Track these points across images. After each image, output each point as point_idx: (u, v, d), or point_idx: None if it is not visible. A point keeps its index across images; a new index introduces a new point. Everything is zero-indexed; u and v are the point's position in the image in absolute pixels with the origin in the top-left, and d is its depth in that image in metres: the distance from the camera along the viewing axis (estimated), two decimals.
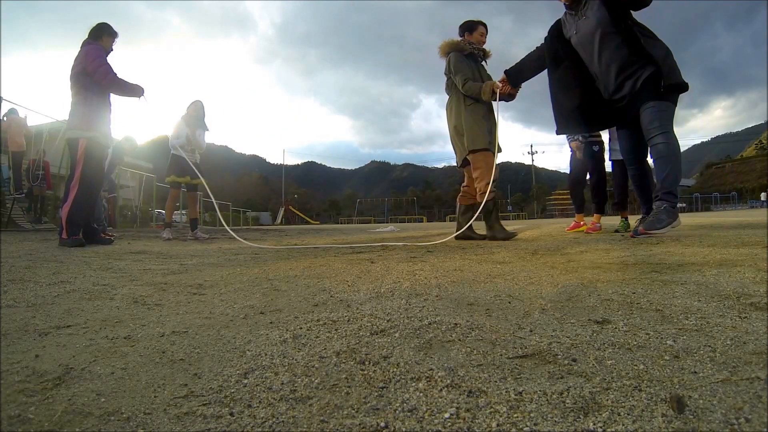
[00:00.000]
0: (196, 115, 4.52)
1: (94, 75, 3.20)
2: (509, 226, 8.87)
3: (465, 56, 3.31)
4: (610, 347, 0.67)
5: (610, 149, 4.00)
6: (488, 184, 3.10)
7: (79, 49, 3.31)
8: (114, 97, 3.47)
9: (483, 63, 3.42)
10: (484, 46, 3.42)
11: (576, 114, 2.86)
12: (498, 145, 3.23)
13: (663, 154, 2.39)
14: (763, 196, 36.43)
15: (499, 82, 3.13)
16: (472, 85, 3.17)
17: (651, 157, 2.58)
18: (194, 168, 4.48)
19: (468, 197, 3.43)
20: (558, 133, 3.08)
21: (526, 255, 2.03)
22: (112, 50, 3.49)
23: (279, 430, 0.46)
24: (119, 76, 3.32)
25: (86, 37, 3.39)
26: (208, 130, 4.66)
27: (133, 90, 3.42)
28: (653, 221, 2.27)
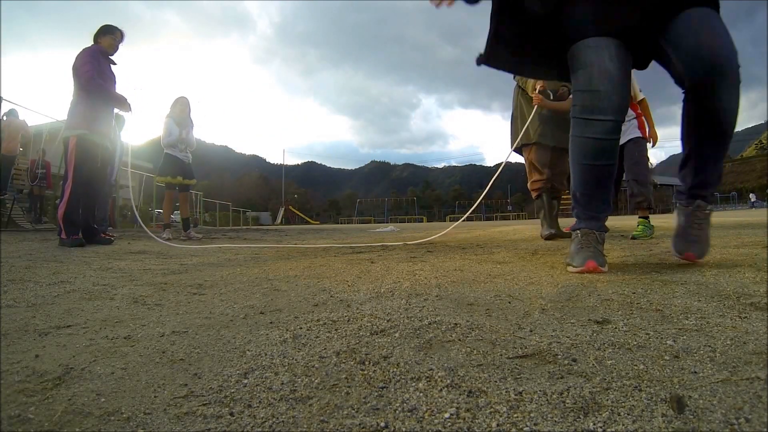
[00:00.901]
0: (184, 114, 4.51)
1: (79, 77, 3.21)
2: (509, 225, 8.85)
3: None
4: (610, 347, 0.67)
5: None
6: (532, 181, 3.11)
7: None
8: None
9: None
10: None
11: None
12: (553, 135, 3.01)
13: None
14: (752, 196, 36.31)
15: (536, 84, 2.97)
16: (519, 79, 3.09)
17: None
18: (189, 168, 4.49)
19: (560, 191, 3.31)
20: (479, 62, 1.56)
21: (526, 255, 2.03)
22: (116, 50, 3.48)
23: (279, 430, 0.46)
24: (102, 82, 3.30)
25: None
26: (194, 126, 4.68)
27: (117, 101, 3.43)
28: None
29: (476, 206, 3.53)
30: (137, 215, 4.58)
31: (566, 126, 3.00)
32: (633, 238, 2.90)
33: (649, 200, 2.84)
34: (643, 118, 2.98)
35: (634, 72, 2.96)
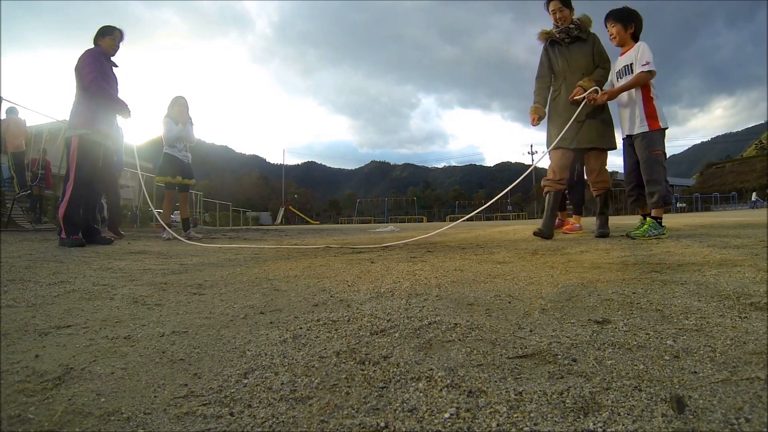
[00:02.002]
0: (183, 113, 4.50)
1: (82, 78, 3.21)
2: (509, 225, 8.86)
3: (550, 44, 3.09)
4: (610, 347, 0.67)
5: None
6: (544, 179, 3.12)
7: None
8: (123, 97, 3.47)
9: (579, 38, 3.01)
10: (575, 20, 3.04)
11: None
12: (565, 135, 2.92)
13: None
14: (753, 196, 36.22)
15: (533, 113, 3.07)
16: (535, 89, 3.11)
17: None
18: (188, 168, 4.48)
19: (594, 187, 3.20)
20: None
21: (526, 255, 2.03)
22: (116, 50, 3.47)
23: (279, 430, 0.46)
24: (105, 85, 3.29)
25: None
26: (193, 123, 4.66)
27: (119, 106, 3.40)
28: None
29: (486, 206, 3.56)
30: (157, 215, 4.59)
31: (594, 126, 2.92)
32: (631, 237, 2.70)
33: (663, 198, 2.62)
34: (654, 103, 2.66)
35: (645, 38, 2.83)
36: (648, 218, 2.71)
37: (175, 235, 4.13)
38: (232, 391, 0.56)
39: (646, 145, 2.65)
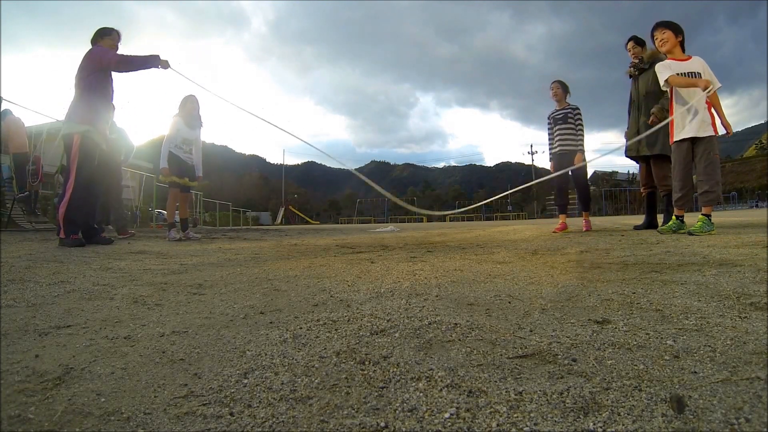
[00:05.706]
0: (193, 112, 4.42)
1: (110, 66, 3.26)
2: (509, 225, 8.87)
3: (630, 77, 3.80)
4: (610, 347, 0.67)
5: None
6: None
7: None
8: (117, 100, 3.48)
9: (645, 70, 3.60)
10: (641, 55, 3.70)
11: None
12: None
13: None
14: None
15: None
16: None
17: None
18: (191, 169, 4.43)
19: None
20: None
21: (526, 255, 2.03)
22: (117, 50, 3.52)
23: (279, 430, 0.46)
24: (133, 55, 3.33)
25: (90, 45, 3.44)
26: (203, 125, 4.58)
27: (151, 61, 3.36)
28: None
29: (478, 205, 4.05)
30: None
31: (656, 135, 3.34)
32: (690, 233, 2.79)
33: (717, 197, 2.86)
34: (713, 110, 2.86)
35: (704, 57, 2.98)
36: (701, 215, 2.91)
37: (184, 234, 4.13)
38: (232, 391, 0.56)
39: (708, 149, 2.86)
